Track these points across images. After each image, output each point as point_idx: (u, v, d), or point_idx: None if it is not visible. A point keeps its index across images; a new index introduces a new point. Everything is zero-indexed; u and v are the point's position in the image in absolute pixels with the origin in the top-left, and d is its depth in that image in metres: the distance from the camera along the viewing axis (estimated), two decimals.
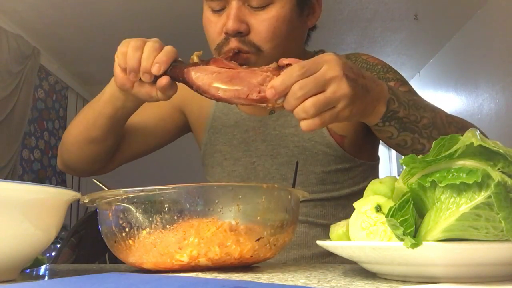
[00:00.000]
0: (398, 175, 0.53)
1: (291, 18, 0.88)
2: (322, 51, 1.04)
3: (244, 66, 0.73)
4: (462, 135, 0.72)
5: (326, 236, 0.59)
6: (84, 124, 0.94)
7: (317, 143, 0.95)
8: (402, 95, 0.75)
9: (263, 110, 1.00)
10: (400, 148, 0.76)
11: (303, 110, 0.64)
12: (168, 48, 0.75)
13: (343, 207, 0.98)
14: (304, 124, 0.65)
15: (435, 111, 0.78)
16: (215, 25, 0.88)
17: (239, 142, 1.01)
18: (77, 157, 0.99)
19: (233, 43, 0.85)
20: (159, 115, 1.09)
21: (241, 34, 0.85)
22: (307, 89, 0.63)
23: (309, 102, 0.64)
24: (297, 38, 0.94)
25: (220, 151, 1.04)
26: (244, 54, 0.85)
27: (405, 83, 0.92)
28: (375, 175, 1.06)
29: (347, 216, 0.94)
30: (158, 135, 1.10)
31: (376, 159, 1.06)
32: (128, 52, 0.75)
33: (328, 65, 0.65)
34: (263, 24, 0.85)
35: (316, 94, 0.64)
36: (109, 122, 0.90)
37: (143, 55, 0.74)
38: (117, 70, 0.79)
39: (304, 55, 0.97)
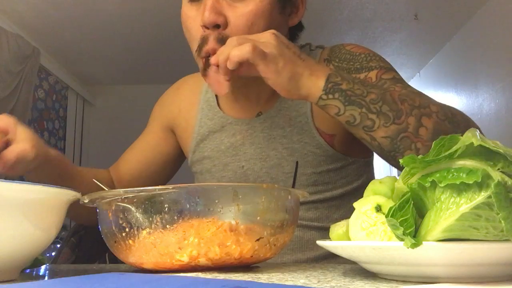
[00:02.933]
0: (398, 175, 0.53)
1: (270, 14, 0.85)
2: (308, 45, 1.02)
3: None
4: (419, 114, 0.71)
5: (321, 239, 0.59)
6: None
7: (306, 144, 0.93)
8: (347, 75, 0.75)
9: (250, 112, 0.98)
10: (351, 127, 0.73)
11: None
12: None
13: (337, 208, 0.96)
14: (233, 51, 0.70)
15: (386, 89, 0.75)
16: (194, 21, 0.85)
17: (227, 147, 0.99)
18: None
19: (211, 43, 0.82)
20: (153, 141, 1.10)
21: (219, 27, 0.82)
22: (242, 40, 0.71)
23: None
24: None
25: (208, 158, 1.01)
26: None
27: (389, 70, 0.90)
28: (370, 172, 1.03)
29: (342, 217, 0.93)
30: (160, 162, 1.10)
31: (370, 154, 1.03)
32: None
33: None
34: (240, 18, 0.82)
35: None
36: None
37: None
38: None
39: None
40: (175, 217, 0.58)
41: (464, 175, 0.43)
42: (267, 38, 0.72)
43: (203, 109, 1.05)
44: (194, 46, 0.87)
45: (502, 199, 0.42)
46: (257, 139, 0.96)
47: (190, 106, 1.07)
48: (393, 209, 0.47)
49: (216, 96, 1.04)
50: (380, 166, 5.84)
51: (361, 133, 0.73)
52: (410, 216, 0.46)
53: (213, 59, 0.77)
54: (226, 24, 0.83)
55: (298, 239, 0.94)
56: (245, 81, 0.92)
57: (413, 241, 0.44)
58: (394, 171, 5.60)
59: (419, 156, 0.48)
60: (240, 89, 0.97)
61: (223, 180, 0.99)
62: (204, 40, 0.83)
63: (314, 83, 0.72)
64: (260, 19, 0.83)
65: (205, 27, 0.83)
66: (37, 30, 3.61)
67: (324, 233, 0.94)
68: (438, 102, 0.77)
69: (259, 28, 0.83)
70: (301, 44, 1.03)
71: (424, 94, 0.82)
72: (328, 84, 0.71)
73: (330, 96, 0.71)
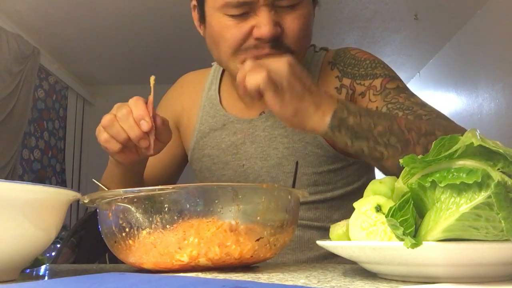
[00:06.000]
0: None
1: (313, 16, 0.89)
2: (313, 46, 1.02)
3: None
4: (426, 142, 0.72)
5: (321, 239, 0.59)
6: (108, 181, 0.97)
7: (308, 144, 0.93)
8: (354, 106, 0.75)
9: (252, 111, 0.98)
10: (360, 157, 0.75)
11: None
12: (135, 102, 0.76)
13: (337, 209, 0.96)
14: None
15: (393, 119, 0.76)
16: (238, 29, 0.83)
17: (228, 145, 0.99)
18: None
19: (265, 50, 0.82)
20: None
21: (276, 37, 0.82)
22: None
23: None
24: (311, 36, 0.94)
25: (208, 155, 1.01)
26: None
27: (393, 78, 0.90)
28: (370, 173, 1.03)
29: (342, 217, 0.92)
30: (176, 164, 1.11)
31: None
32: (114, 135, 0.76)
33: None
34: (295, 22, 0.84)
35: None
36: (124, 177, 0.92)
37: (124, 127, 0.75)
38: (114, 155, 0.80)
39: None
40: (175, 217, 0.58)
41: (464, 175, 0.43)
42: (280, 67, 0.70)
43: (205, 107, 1.05)
44: (227, 50, 0.86)
45: (502, 199, 0.42)
46: (258, 138, 0.97)
47: (192, 103, 1.07)
48: (393, 209, 0.47)
49: (219, 94, 1.04)
50: None
51: (370, 161, 0.76)
52: (410, 216, 0.47)
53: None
54: (281, 33, 0.83)
55: (298, 238, 0.95)
56: None
57: (413, 241, 0.44)
58: None
59: (419, 156, 0.48)
60: None
61: (223, 179, 0.99)
62: (256, 46, 0.83)
63: (320, 120, 0.71)
64: (309, 21, 0.87)
65: (262, 40, 0.82)
66: (37, 30, 3.61)
67: (324, 233, 0.94)
68: (443, 125, 0.78)
69: (309, 31, 0.88)
70: None
71: (428, 108, 0.84)
72: (334, 122, 0.71)
73: (337, 133, 0.71)
